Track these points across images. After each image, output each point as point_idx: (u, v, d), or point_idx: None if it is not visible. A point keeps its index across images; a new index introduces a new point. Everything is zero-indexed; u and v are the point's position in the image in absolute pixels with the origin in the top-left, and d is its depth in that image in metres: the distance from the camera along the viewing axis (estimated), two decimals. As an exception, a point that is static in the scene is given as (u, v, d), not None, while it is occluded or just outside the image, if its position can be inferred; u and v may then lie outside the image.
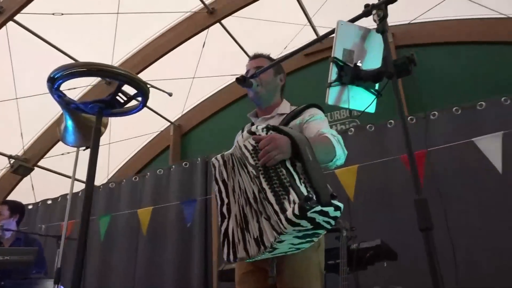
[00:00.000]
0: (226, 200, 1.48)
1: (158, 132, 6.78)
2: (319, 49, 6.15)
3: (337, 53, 1.18)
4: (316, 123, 1.71)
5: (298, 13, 5.73)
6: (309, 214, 1.20)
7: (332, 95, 1.19)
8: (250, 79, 1.74)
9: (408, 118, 3.67)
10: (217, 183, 1.54)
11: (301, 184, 1.26)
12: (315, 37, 6.18)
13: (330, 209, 1.24)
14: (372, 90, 1.22)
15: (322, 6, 5.45)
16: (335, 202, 1.25)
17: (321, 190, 1.25)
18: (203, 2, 5.41)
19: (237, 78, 1.70)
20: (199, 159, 4.66)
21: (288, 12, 5.67)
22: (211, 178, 4.21)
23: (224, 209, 1.48)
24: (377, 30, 1.09)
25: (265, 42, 6.04)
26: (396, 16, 5.36)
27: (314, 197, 1.23)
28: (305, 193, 1.23)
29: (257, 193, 1.35)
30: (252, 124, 1.94)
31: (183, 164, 4.76)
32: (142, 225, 4.35)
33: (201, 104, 6.86)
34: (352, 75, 1.19)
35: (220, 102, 6.64)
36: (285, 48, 6.17)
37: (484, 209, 3.18)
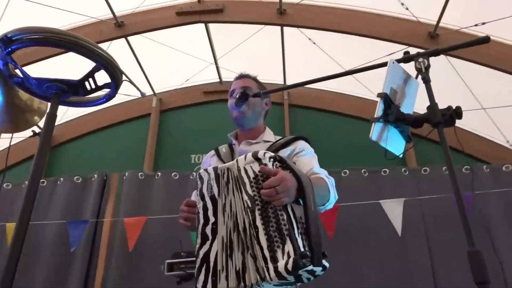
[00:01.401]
0: (212, 219, 1.32)
1: (23, 139, 5.84)
2: (217, 90, 6.26)
3: (386, 90, 1.20)
4: (307, 158, 1.68)
5: (207, 51, 5.79)
6: (300, 271, 1.15)
7: (376, 131, 1.18)
8: (248, 97, 1.64)
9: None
10: (203, 199, 1.36)
11: (299, 235, 1.20)
12: (217, 76, 6.29)
13: (318, 269, 1.20)
14: (403, 135, 1.24)
15: (230, 51, 5.62)
16: (324, 262, 1.22)
17: (316, 247, 1.20)
18: (113, 13, 5.07)
19: (241, 93, 1.59)
20: (95, 175, 4.11)
21: (198, 48, 5.68)
22: (106, 197, 3.73)
23: (208, 230, 1.31)
24: (424, 79, 1.15)
25: (168, 70, 5.91)
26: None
27: (309, 255, 1.17)
28: (302, 249, 1.17)
29: (248, 226, 1.24)
30: (230, 146, 1.83)
31: (75, 178, 4.13)
32: (8, 241, 3.54)
33: (78, 119, 6.22)
34: (397, 115, 1.21)
35: (102, 121, 6.11)
36: (186, 81, 6.11)
37: (382, 266, 3.46)
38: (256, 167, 1.29)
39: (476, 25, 4.24)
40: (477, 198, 3.26)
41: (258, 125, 1.88)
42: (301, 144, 1.75)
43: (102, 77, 1.43)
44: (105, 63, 1.34)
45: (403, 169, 3.82)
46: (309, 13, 5.15)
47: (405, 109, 1.22)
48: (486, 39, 1.15)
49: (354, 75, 5.36)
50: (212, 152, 1.89)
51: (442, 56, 4.48)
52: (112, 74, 1.39)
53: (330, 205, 1.58)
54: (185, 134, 6.16)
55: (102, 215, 3.78)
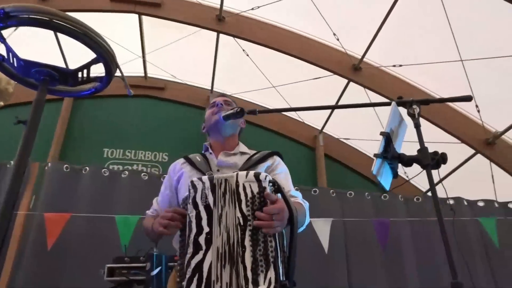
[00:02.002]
0: (206, 229, 1.31)
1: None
2: (141, 84, 6.03)
3: (388, 129, 1.31)
4: (284, 178, 1.73)
5: (136, 44, 5.56)
6: None
7: (377, 166, 1.27)
8: (244, 113, 1.64)
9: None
10: (196, 208, 1.34)
11: (281, 263, 1.27)
12: (142, 71, 6.06)
13: None
14: (393, 172, 1.36)
15: (161, 48, 5.48)
16: None
17: (291, 276, 1.29)
18: (38, -16, 4.61)
19: (240, 109, 1.59)
20: (12, 162, 3.50)
21: (127, 38, 5.43)
22: (23, 188, 3.30)
23: (201, 239, 1.30)
24: (416, 125, 1.29)
25: (91, 55, 5.52)
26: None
27: (288, 286, 1.24)
28: (281, 277, 1.24)
29: (235, 243, 1.26)
30: (204, 155, 1.80)
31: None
32: None
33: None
34: (393, 153, 1.33)
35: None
36: (109, 70, 5.77)
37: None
38: (255, 187, 1.31)
39: (394, 65, 4.76)
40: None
41: (234, 137, 1.90)
42: (277, 160, 1.80)
43: (94, 68, 1.35)
44: (108, 58, 1.27)
45: (331, 191, 4.10)
46: (246, 25, 5.27)
47: (396, 148, 1.36)
48: (468, 98, 1.34)
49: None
50: (181, 160, 1.84)
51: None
52: (109, 69, 1.32)
53: (302, 228, 1.66)
54: (99, 126, 5.80)
55: (16, 207, 3.33)
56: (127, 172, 3.76)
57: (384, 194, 3.97)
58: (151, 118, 5.99)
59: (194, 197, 1.36)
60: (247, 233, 1.26)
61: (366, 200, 4.00)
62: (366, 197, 4.05)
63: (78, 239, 3.21)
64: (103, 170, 3.66)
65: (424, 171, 1.29)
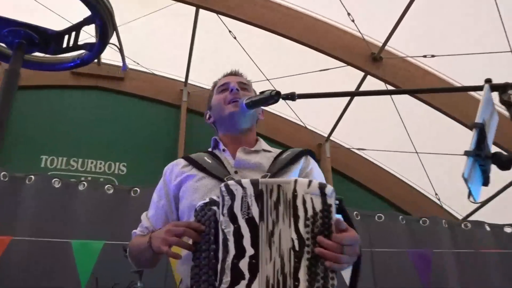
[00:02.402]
0: (250, 251, 1.25)
1: None
2: (92, 73, 5.95)
3: (480, 120, 1.26)
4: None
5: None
6: None
7: (468, 167, 1.20)
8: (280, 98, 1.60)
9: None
10: (234, 221, 1.29)
11: None
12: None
13: None
14: (484, 177, 1.29)
15: (128, 23, 5.42)
16: None
17: None
18: None
19: (275, 92, 1.55)
20: None
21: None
22: None
23: (243, 264, 1.25)
24: None
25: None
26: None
27: None
28: None
29: (287, 273, 1.22)
30: (212, 153, 1.77)
31: None
32: None
33: None
34: (486, 152, 1.26)
35: None
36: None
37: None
38: (318, 203, 1.27)
39: (425, 56, 4.85)
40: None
41: (252, 131, 1.88)
42: (311, 162, 1.79)
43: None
44: (106, 16, 1.23)
45: (354, 213, 4.16)
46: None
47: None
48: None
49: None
50: (181, 161, 1.79)
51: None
52: (104, 33, 1.28)
53: None
54: (36, 126, 5.67)
55: None
56: (85, 184, 3.68)
57: (424, 219, 4.03)
58: (105, 117, 5.90)
59: (231, 207, 1.30)
60: (303, 262, 1.22)
61: (400, 225, 4.05)
62: (401, 221, 4.10)
63: (20, 268, 3.13)
64: (53, 180, 3.56)
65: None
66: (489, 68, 4.54)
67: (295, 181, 1.29)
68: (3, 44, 1.24)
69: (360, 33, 5.07)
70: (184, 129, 5.89)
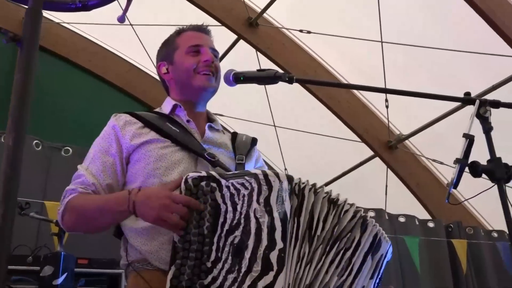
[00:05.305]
0: (280, 244, 1.30)
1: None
2: None
3: (470, 131, 1.41)
4: None
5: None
6: None
7: (457, 175, 1.38)
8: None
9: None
10: (270, 213, 1.32)
11: None
12: None
13: None
14: (456, 181, 1.43)
15: None
16: None
17: None
18: None
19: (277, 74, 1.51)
20: None
21: None
22: None
23: (273, 256, 1.29)
24: (489, 130, 1.36)
25: None
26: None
27: None
28: None
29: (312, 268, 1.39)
30: (172, 119, 1.66)
31: None
32: None
33: None
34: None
35: None
36: None
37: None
38: (336, 219, 1.42)
39: (301, 30, 4.85)
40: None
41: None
42: (257, 152, 1.85)
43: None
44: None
45: None
46: None
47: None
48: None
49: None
50: (134, 120, 1.61)
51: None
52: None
53: None
54: None
55: None
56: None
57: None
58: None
59: (268, 198, 1.34)
60: (326, 258, 1.39)
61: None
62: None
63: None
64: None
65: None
66: (359, 51, 4.75)
67: (330, 195, 1.42)
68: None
69: (243, -6, 4.90)
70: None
